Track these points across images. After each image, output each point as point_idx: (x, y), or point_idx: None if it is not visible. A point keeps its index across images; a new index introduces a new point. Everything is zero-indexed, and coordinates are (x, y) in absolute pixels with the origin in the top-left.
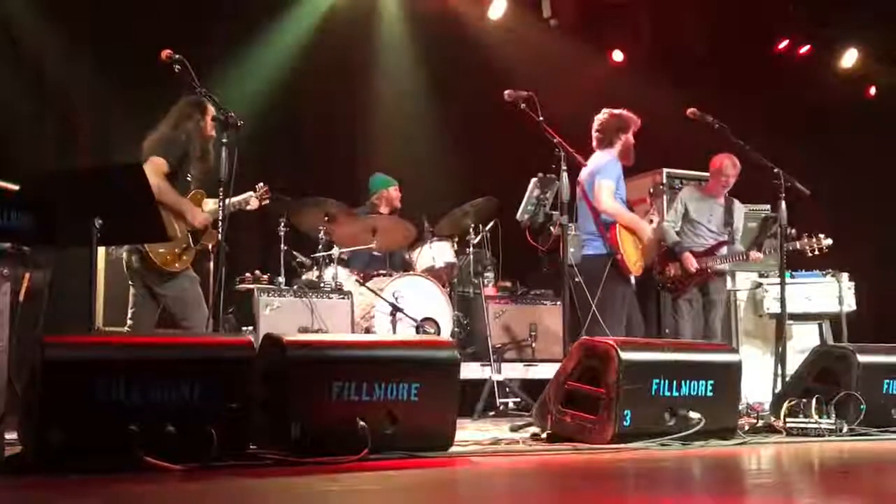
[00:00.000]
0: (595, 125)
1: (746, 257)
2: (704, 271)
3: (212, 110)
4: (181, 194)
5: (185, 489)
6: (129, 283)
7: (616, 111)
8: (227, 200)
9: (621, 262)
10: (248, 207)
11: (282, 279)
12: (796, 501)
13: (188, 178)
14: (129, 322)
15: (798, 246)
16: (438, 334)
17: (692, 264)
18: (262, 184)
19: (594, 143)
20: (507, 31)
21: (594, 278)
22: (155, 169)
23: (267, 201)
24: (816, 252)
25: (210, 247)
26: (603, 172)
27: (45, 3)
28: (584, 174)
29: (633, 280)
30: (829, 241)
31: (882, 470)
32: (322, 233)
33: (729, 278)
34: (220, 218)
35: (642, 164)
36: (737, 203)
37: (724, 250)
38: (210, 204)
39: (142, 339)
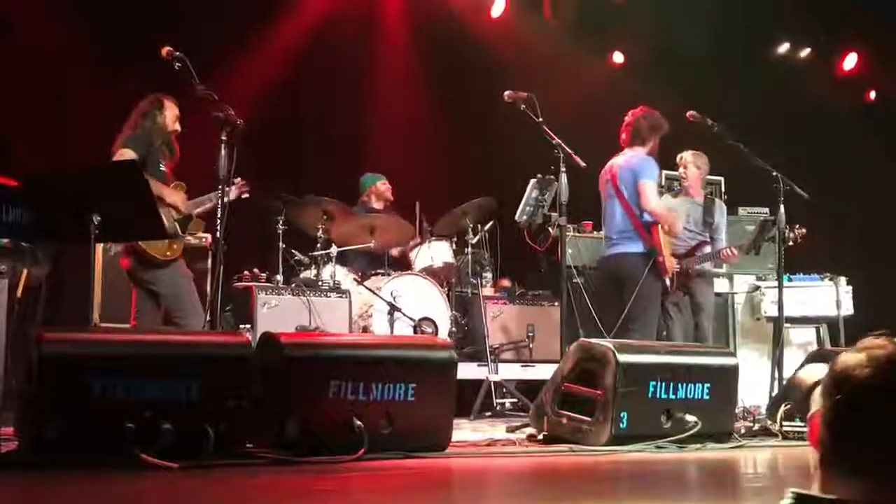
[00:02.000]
0: (629, 120)
1: (718, 254)
2: (684, 273)
3: (170, 105)
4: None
5: (182, 487)
6: (131, 285)
7: (651, 110)
8: (212, 195)
9: (662, 263)
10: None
11: (280, 277)
12: None
13: (162, 170)
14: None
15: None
16: (436, 334)
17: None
18: (238, 178)
19: (624, 138)
20: (508, 31)
21: (634, 275)
22: (126, 156)
23: (246, 195)
24: (791, 242)
25: (207, 243)
26: (646, 174)
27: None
28: (619, 171)
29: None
30: (804, 231)
31: None
32: (320, 231)
33: (726, 281)
34: (219, 216)
35: None
36: (717, 202)
37: (705, 249)
38: (191, 200)
39: (139, 336)
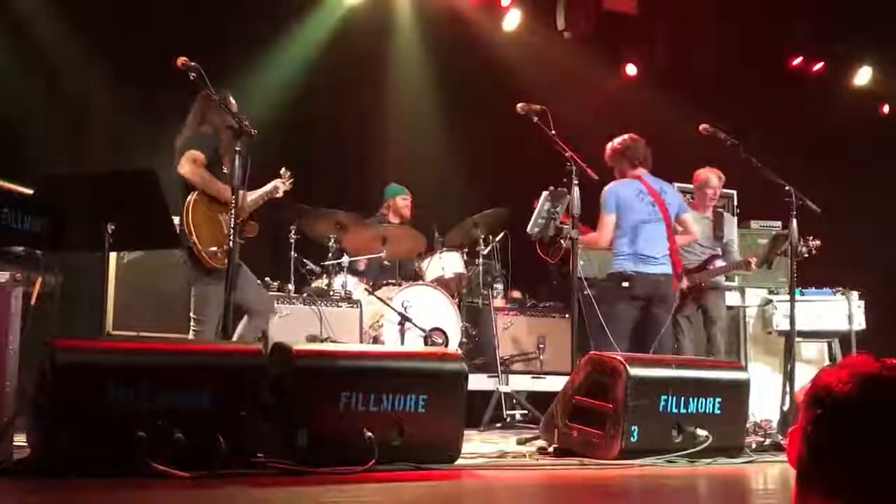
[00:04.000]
0: (636, 141)
1: (746, 265)
2: (698, 287)
3: (233, 103)
4: None
5: (192, 496)
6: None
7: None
8: (253, 194)
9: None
10: (278, 195)
11: (291, 287)
12: None
13: (224, 172)
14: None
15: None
16: (446, 345)
17: (682, 281)
18: (283, 168)
19: (648, 167)
20: (521, 43)
21: (673, 296)
22: (195, 159)
23: (290, 186)
24: (806, 254)
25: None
26: (686, 207)
27: (62, 5)
28: (666, 197)
29: None
30: (818, 242)
31: None
32: (332, 241)
33: (738, 294)
34: (232, 226)
35: None
36: (726, 215)
37: (717, 262)
38: (248, 196)
39: (152, 345)
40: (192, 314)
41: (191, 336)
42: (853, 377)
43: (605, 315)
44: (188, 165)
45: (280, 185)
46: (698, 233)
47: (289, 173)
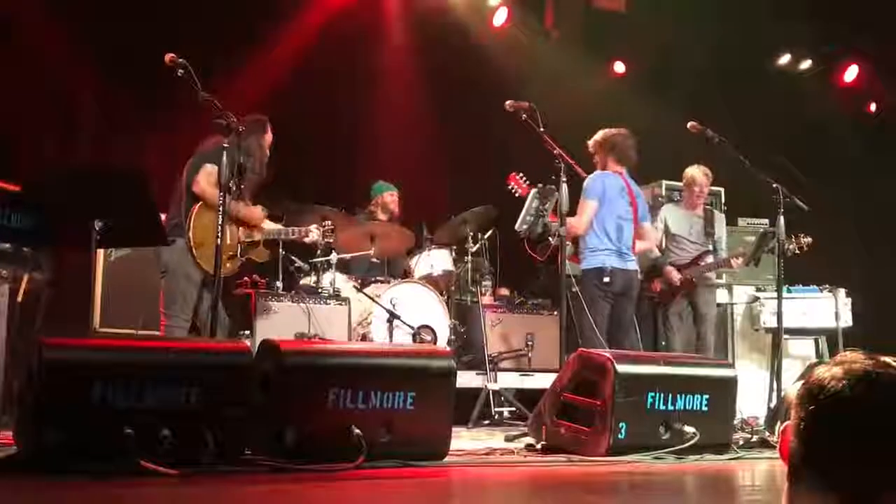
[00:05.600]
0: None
1: (728, 264)
2: (689, 282)
3: (269, 130)
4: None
5: (180, 493)
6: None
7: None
8: (279, 225)
9: None
10: (307, 240)
11: (280, 284)
12: None
13: (241, 189)
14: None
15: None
16: (435, 342)
17: (674, 277)
18: (328, 222)
19: (631, 167)
20: (510, 41)
21: (636, 292)
22: (207, 177)
23: (330, 239)
24: (797, 251)
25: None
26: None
27: (50, 1)
28: (638, 202)
29: None
30: (809, 240)
31: None
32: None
33: (726, 292)
34: (220, 222)
35: (642, 177)
36: (717, 213)
37: (708, 259)
38: (269, 224)
39: (139, 343)
40: (162, 308)
41: (162, 331)
42: (847, 373)
43: (586, 310)
44: (201, 180)
45: (316, 234)
46: (656, 242)
47: (332, 229)
